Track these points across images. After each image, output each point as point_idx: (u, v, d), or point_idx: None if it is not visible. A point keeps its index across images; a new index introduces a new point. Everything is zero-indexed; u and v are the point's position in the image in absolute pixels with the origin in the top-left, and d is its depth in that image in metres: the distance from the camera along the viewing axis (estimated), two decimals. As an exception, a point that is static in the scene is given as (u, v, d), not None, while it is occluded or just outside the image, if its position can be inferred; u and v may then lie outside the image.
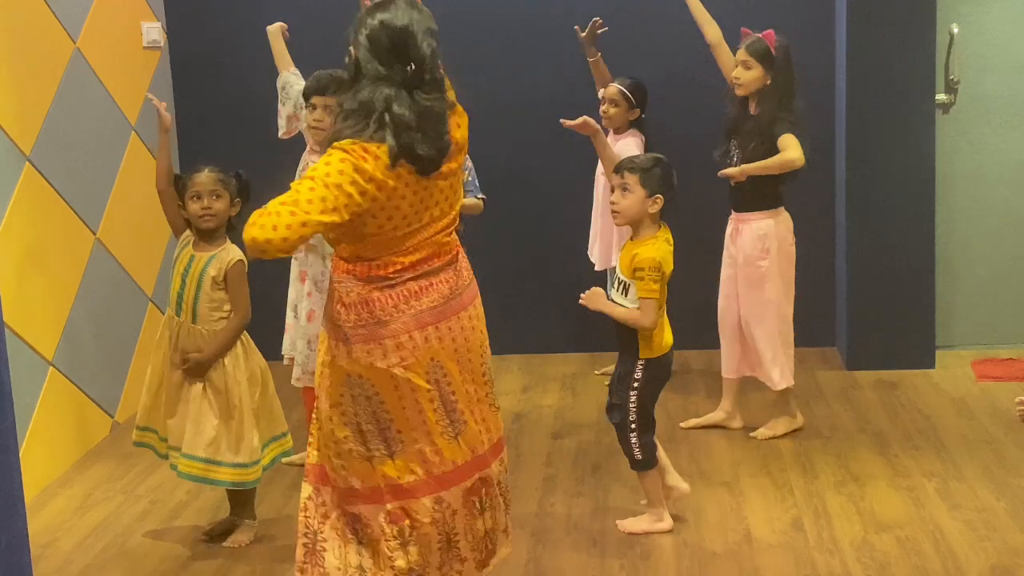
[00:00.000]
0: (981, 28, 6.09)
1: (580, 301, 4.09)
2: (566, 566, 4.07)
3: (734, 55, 5.06)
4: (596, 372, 6.14)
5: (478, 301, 3.38)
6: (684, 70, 6.24)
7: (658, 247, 4.07)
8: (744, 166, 4.93)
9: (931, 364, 6.01)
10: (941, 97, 6.04)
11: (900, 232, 5.94)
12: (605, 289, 4.27)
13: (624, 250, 4.17)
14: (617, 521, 4.32)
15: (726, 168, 5.00)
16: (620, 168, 4.13)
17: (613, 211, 4.14)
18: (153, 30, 6.24)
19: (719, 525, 4.33)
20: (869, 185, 5.92)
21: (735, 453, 5.01)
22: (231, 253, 4.25)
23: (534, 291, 6.41)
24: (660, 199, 4.07)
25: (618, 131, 5.79)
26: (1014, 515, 4.29)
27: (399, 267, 3.21)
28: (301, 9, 6.28)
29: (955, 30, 5.97)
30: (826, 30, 6.14)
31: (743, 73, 4.96)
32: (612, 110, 5.70)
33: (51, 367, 5.08)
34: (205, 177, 4.24)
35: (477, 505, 3.36)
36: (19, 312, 4.80)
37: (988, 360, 6.05)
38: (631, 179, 4.07)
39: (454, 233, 3.32)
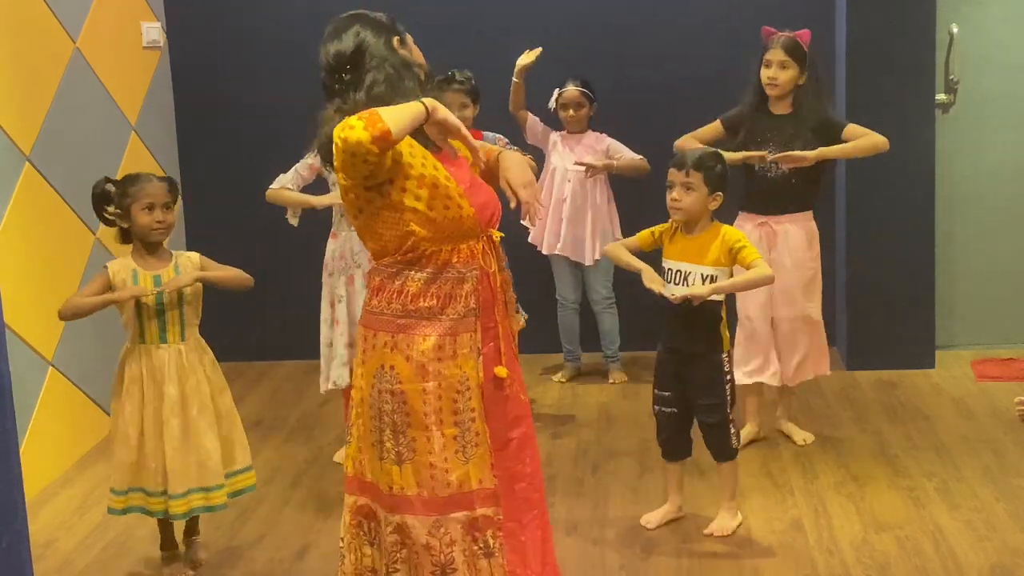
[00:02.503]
0: (981, 28, 6.09)
1: (691, 293, 4.00)
2: (566, 566, 4.05)
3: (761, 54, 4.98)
4: (554, 378, 6.17)
5: (358, 330, 3.19)
6: (677, 72, 6.25)
7: (734, 228, 4.18)
8: (822, 149, 4.83)
9: (931, 364, 6.01)
10: (941, 97, 6.04)
11: (900, 232, 5.94)
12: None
13: (687, 248, 4.13)
14: (709, 531, 4.24)
15: (779, 160, 4.86)
16: (684, 164, 4.12)
17: (674, 208, 4.13)
18: (153, 30, 6.24)
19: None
20: (869, 185, 5.92)
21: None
22: (188, 255, 4.12)
23: (534, 291, 6.40)
24: (720, 196, 4.11)
25: (577, 131, 5.83)
26: (1014, 515, 4.29)
27: None
28: (299, 10, 6.29)
29: (955, 30, 5.97)
30: (826, 30, 6.14)
31: (780, 73, 4.85)
32: (578, 113, 5.79)
33: (51, 367, 5.08)
34: (158, 188, 4.02)
35: (365, 530, 3.19)
36: (19, 312, 4.80)
37: (988, 360, 6.05)
38: (696, 177, 4.10)
39: (375, 263, 3.18)
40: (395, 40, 3.15)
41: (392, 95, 3.05)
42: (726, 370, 4.19)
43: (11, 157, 4.89)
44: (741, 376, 5.08)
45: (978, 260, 6.25)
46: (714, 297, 4.09)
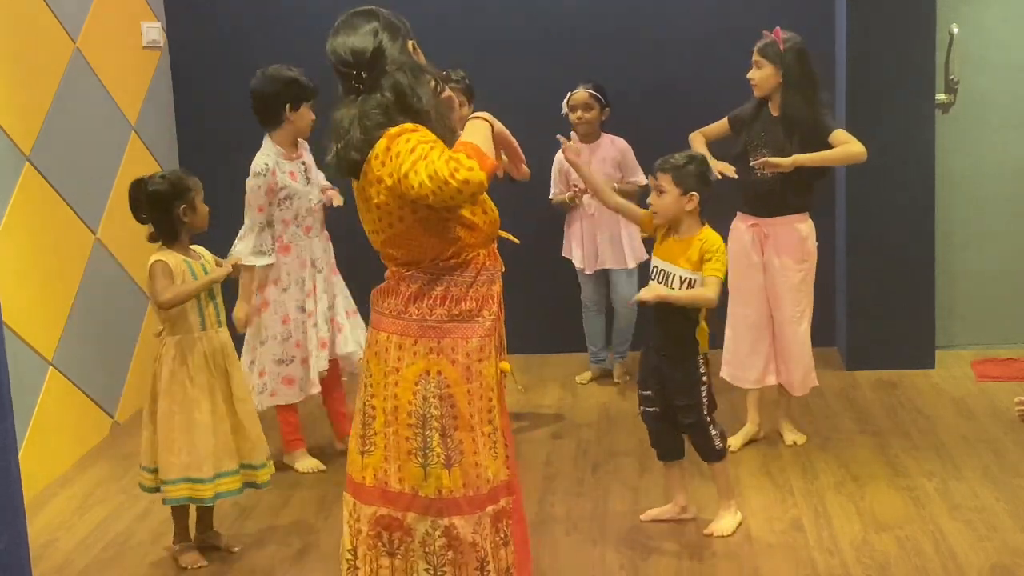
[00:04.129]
0: (981, 28, 6.09)
1: (638, 298, 4.10)
2: (566, 566, 4.07)
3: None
4: (577, 379, 6.14)
5: (382, 338, 3.16)
6: (679, 72, 6.26)
7: (716, 236, 4.15)
8: (796, 156, 4.80)
9: (931, 364, 6.01)
10: (941, 97, 6.04)
11: (900, 232, 5.94)
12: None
13: (672, 249, 4.15)
14: (708, 531, 4.24)
15: (757, 166, 4.86)
16: (654, 169, 4.18)
17: (652, 211, 4.19)
18: (153, 30, 6.25)
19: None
20: (869, 185, 5.91)
21: (735, 453, 4.99)
22: (198, 248, 4.26)
23: (534, 291, 6.40)
24: (695, 196, 4.11)
25: (590, 138, 5.79)
26: (1014, 515, 4.29)
27: None
28: (298, 10, 6.29)
29: (955, 30, 5.97)
30: (826, 30, 6.14)
31: (754, 73, 4.91)
32: (587, 115, 5.73)
33: (51, 367, 5.08)
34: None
35: (384, 542, 3.17)
36: (19, 312, 4.80)
37: (988, 360, 6.05)
38: (664, 179, 4.13)
39: (392, 267, 3.19)
40: (409, 44, 3.14)
41: (416, 101, 3.07)
42: (701, 372, 4.18)
43: (11, 157, 4.89)
44: (751, 384, 5.08)
45: (978, 260, 6.25)
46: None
